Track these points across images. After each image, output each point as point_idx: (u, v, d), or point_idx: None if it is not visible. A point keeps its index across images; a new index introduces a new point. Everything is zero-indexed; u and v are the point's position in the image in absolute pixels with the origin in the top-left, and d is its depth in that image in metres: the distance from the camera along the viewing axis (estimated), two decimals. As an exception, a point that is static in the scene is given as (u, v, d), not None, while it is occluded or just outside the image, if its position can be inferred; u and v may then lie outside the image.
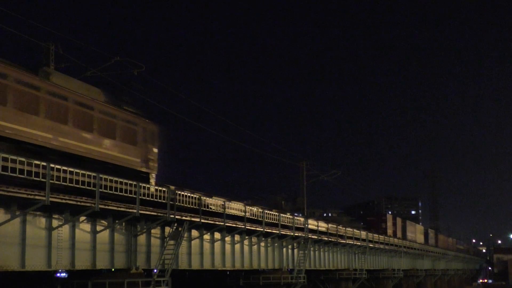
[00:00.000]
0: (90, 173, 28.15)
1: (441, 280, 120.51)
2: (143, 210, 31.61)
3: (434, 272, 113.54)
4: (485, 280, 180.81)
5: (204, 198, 37.97)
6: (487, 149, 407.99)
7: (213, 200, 39.35)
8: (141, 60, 41.02)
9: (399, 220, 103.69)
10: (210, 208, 38.66)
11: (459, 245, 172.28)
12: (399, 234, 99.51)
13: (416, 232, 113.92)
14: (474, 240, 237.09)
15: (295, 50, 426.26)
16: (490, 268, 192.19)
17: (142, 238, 33.95)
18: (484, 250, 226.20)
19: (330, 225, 58.56)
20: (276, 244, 49.62)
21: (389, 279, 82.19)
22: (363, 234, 69.95)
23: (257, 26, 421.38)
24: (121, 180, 30.15)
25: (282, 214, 48.54)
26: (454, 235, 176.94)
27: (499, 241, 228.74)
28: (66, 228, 28.80)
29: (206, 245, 39.98)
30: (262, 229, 44.35)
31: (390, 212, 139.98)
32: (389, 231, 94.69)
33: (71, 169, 27.24)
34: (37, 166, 25.55)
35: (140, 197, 31.03)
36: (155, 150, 36.04)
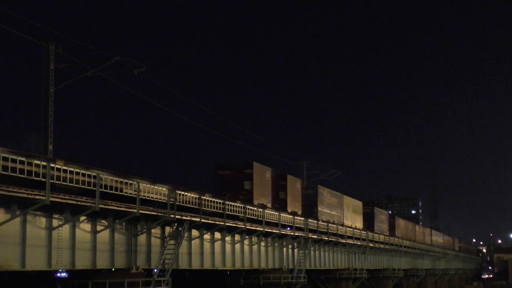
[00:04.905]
0: (90, 173, 28.16)
1: (441, 279, 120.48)
2: (143, 210, 31.62)
3: (435, 272, 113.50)
4: (491, 276, 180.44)
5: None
6: (487, 149, 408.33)
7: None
8: (141, 60, 40.98)
9: (297, 181, 56.50)
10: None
11: (437, 237, 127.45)
12: (294, 206, 54.21)
13: (342, 209, 68.29)
14: (474, 240, 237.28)
15: (294, 50, 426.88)
16: (490, 267, 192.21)
17: (142, 238, 33.94)
18: (484, 250, 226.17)
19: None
20: (276, 244, 49.58)
21: (389, 278, 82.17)
22: (363, 233, 69.93)
23: (257, 26, 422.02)
24: (121, 179, 30.15)
25: (282, 214, 48.49)
26: (455, 235, 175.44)
27: (500, 241, 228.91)
28: (66, 228, 28.79)
29: (206, 245, 39.97)
30: (262, 229, 44.33)
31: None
32: (263, 200, 48.73)
33: (71, 169, 27.23)
34: (37, 166, 25.53)
35: (140, 196, 31.04)
36: None
